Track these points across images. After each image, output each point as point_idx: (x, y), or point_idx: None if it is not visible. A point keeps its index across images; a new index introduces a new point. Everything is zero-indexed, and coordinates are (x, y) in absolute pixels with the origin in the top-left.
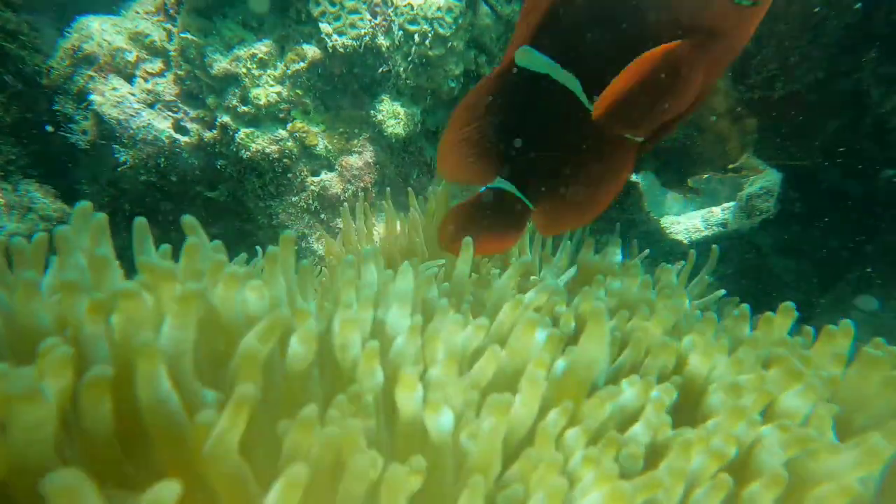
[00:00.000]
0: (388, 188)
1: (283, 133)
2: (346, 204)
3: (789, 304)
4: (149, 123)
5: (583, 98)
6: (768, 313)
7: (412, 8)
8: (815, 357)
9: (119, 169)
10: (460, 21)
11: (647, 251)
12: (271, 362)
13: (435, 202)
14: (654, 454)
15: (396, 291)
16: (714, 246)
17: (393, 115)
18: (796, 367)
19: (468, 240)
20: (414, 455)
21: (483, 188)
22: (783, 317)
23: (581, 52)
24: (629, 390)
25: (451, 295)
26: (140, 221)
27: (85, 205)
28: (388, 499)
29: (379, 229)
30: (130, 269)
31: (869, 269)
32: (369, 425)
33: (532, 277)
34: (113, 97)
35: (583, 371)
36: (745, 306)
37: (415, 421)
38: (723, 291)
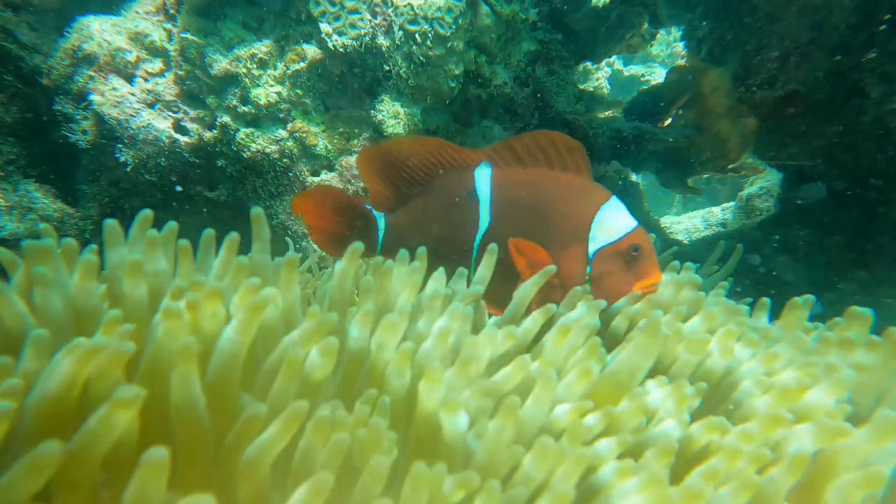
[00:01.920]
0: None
1: (283, 133)
2: None
3: (809, 297)
4: (149, 123)
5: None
6: (795, 299)
7: (412, 8)
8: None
9: (119, 169)
10: (460, 21)
11: (675, 247)
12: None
13: None
14: (682, 452)
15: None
16: (739, 245)
17: (393, 115)
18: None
19: (493, 247)
20: (426, 454)
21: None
22: (803, 308)
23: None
24: (656, 391)
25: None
26: (145, 214)
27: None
28: (410, 497)
29: None
30: None
31: (868, 269)
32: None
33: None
34: (113, 97)
35: (625, 378)
36: (766, 299)
37: (432, 417)
38: (729, 282)
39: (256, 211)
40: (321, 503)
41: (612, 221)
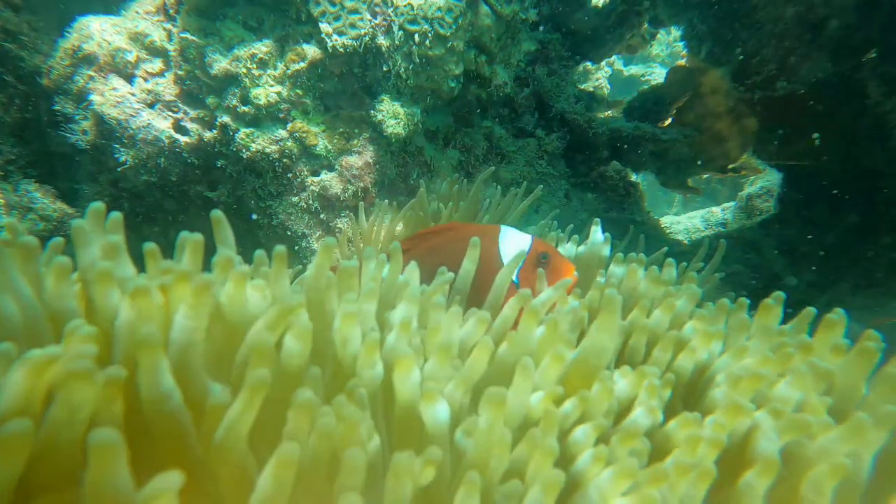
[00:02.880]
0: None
1: (283, 133)
2: (354, 210)
3: (779, 293)
4: (149, 123)
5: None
6: (766, 300)
7: (412, 8)
8: (816, 346)
9: (119, 169)
10: (460, 21)
11: (664, 248)
12: (273, 359)
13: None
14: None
15: (400, 288)
16: (722, 241)
17: (393, 115)
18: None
19: (476, 240)
20: (410, 445)
21: None
22: (776, 306)
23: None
24: (622, 381)
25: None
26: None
27: (98, 205)
28: (394, 488)
29: (379, 230)
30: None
31: (868, 269)
32: (366, 417)
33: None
34: (113, 97)
35: (593, 359)
36: (744, 298)
37: (412, 407)
38: (720, 274)
39: (216, 214)
40: (291, 474)
41: (514, 242)
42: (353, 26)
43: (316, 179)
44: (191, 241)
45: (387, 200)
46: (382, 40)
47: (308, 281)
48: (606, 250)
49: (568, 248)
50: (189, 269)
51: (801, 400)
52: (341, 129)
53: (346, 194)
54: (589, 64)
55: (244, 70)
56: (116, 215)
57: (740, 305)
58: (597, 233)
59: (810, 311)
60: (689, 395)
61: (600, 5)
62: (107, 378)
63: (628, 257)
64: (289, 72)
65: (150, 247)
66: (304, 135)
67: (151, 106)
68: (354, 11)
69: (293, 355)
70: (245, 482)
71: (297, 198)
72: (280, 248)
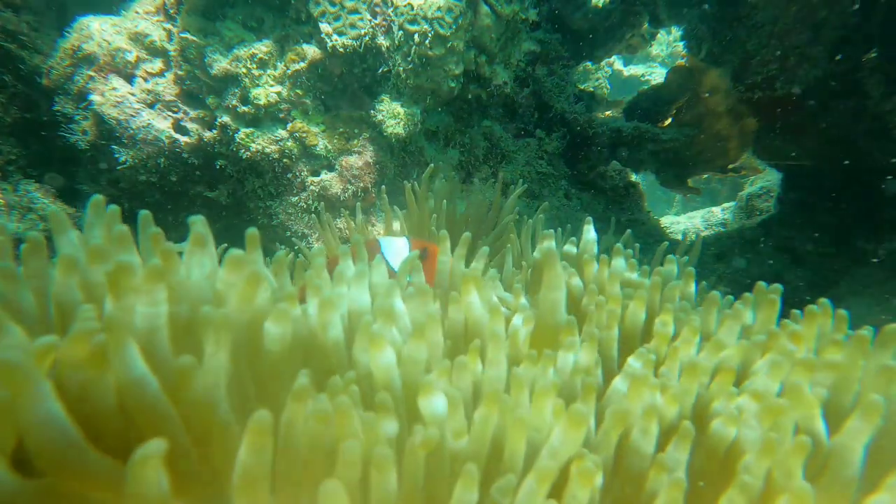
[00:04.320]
0: (385, 193)
1: (282, 133)
2: (354, 208)
3: (777, 286)
4: (149, 123)
5: None
6: (747, 294)
7: (412, 8)
8: (806, 336)
9: (119, 169)
10: (460, 21)
11: (666, 243)
12: (255, 348)
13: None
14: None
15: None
16: (699, 237)
17: (393, 115)
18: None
19: (444, 233)
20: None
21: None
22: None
23: None
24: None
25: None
26: (145, 215)
27: (98, 198)
28: (378, 477)
29: (378, 229)
30: None
31: (868, 269)
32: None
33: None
34: (113, 97)
35: (549, 316)
36: (715, 293)
37: (390, 386)
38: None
39: (195, 218)
40: (267, 443)
41: (394, 247)
42: (353, 26)
43: (316, 179)
44: (150, 234)
45: (386, 197)
46: (382, 40)
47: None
48: (595, 248)
49: (567, 249)
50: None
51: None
52: (341, 129)
53: (346, 194)
54: (589, 64)
55: (244, 70)
56: (114, 208)
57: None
58: (589, 231)
59: (776, 287)
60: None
61: (600, 5)
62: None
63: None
64: (289, 72)
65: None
66: (304, 135)
67: (151, 106)
68: (354, 11)
69: (274, 341)
70: (227, 441)
71: (297, 198)
72: (279, 254)
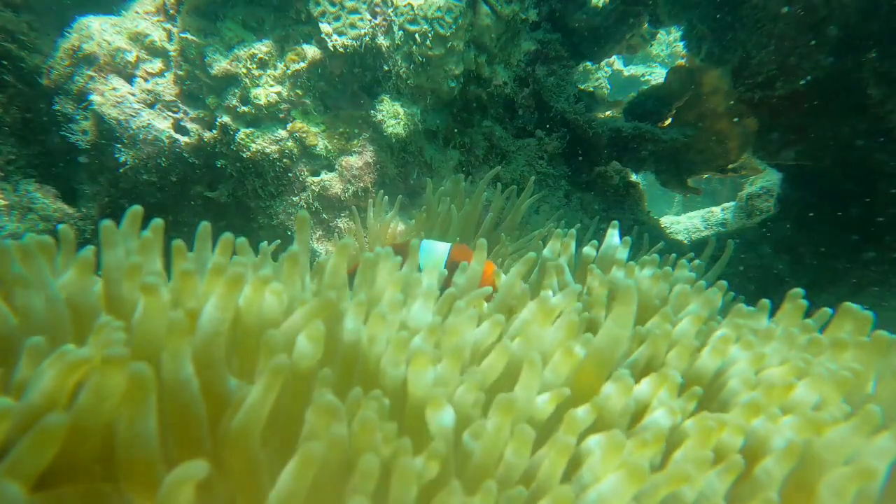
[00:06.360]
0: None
1: (282, 133)
2: (353, 207)
3: (798, 290)
4: (149, 123)
5: None
6: (793, 291)
7: (412, 8)
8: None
9: (119, 169)
10: (460, 21)
11: (661, 243)
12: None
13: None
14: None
15: (421, 289)
16: (730, 241)
17: (393, 115)
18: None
19: (483, 242)
20: (420, 442)
21: None
22: (795, 308)
23: None
24: (645, 385)
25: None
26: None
27: (136, 209)
28: (399, 488)
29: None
30: None
31: (868, 269)
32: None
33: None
34: (113, 97)
35: (607, 351)
36: (766, 301)
37: (422, 406)
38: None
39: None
40: (310, 474)
41: (436, 252)
42: (353, 26)
43: (316, 179)
44: (222, 239)
45: (386, 197)
46: (382, 40)
47: (326, 280)
48: (623, 254)
49: (587, 252)
50: (221, 262)
51: (818, 402)
52: (341, 129)
53: (347, 194)
54: (589, 64)
55: (244, 70)
56: (137, 209)
57: (762, 306)
58: (613, 236)
59: (825, 311)
60: (708, 399)
61: (600, 5)
62: (134, 371)
63: (640, 259)
64: (289, 72)
65: (178, 243)
66: (304, 135)
67: (151, 106)
68: (354, 11)
69: (305, 356)
70: (256, 475)
71: (297, 198)
72: (293, 250)
